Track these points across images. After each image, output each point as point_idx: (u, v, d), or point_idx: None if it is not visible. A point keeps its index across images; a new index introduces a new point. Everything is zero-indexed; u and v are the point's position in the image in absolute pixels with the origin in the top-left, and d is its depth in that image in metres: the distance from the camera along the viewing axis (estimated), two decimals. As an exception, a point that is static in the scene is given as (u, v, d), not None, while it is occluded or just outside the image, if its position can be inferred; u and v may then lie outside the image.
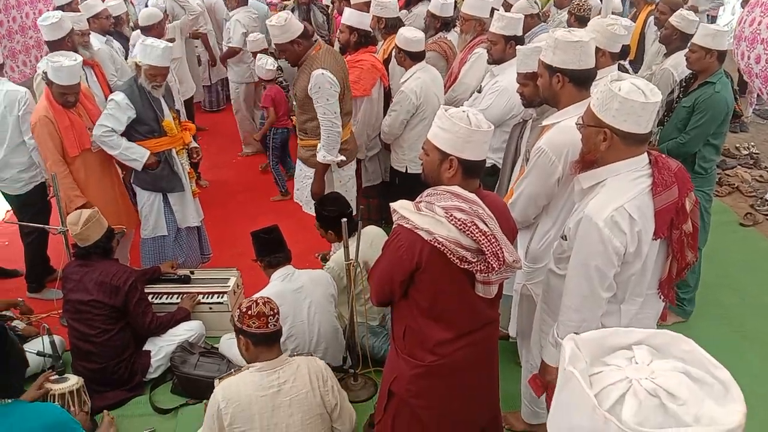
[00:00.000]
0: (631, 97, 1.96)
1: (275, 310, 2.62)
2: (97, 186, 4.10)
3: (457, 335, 2.25)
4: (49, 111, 3.84)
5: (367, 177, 4.86)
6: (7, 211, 5.13)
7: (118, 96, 3.91)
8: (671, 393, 0.84)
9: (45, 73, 3.84)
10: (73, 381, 3.16)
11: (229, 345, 3.44)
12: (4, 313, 3.83)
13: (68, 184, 3.94)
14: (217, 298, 3.93)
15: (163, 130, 4.05)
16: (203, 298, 3.93)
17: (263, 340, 2.57)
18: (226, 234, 5.01)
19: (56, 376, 3.18)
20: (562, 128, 2.52)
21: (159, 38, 4.73)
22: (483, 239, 2.05)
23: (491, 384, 2.51)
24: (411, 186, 3.69)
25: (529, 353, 2.93)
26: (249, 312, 2.56)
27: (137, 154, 3.96)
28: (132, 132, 3.97)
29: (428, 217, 2.09)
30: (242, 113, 6.72)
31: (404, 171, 4.45)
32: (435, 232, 2.05)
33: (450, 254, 2.05)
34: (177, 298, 3.91)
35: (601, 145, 2.06)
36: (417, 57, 4.24)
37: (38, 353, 3.38)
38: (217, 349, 3.64)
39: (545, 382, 2.36)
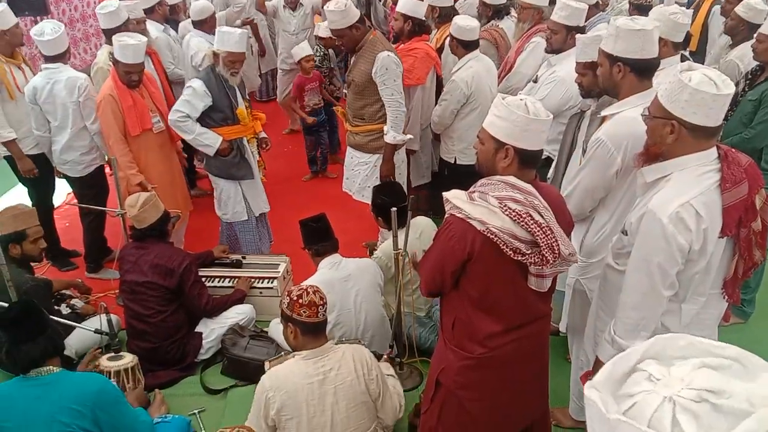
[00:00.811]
0: (701, 89, 1.87)
1: (324, 300, 2.64)
2: (155, 168, 4.22)
3: (508, 328, 2.21)
4: (113, 90, 3.99)
5: (420, 173, 4.84)
6: (68, 193, 5.33)
7: (196, 83, 4.00)
8: (712, 390, 0.79)
9: (111, 53, 4.00)
10: (128, 359, 3.25)
11: (278, 329, 3.48)
12: (63, 291, 3.97)
13: (127, 163, 4.06)
14: (268, 283, 4.00)
15: (237, 118, 4.13)
16: (254, 282, 3.99)
17: (312, 329, 2.59)
18: (277, 221, 5.07)
19: (112, 354, 3.29)
20: (622, 119, 2.45)
21: (211, 32, 4.83)
22: (538, 231, 1.99)
23: (541, 379, 2.46)
24: (459, 177, 3.66)
25: (579, 349, 2.87)
26: (300, 301, 2.57)
27: (210, 140, 4.04)
28: (207, 119, 4.05)
29: (481, 207, 2.04)
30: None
31: (453, 162, 4.42)
32: (488, 222, 2.00)
33: (503, 245, 2.00)
34: (229, 282, 3.99)
35: (668, 138, 1.98)
36: (470, 46, 4.20)
37: (95, 331, 3.50)
38: (267, 332, 3.70)
39: (598, 379, 2.30)
